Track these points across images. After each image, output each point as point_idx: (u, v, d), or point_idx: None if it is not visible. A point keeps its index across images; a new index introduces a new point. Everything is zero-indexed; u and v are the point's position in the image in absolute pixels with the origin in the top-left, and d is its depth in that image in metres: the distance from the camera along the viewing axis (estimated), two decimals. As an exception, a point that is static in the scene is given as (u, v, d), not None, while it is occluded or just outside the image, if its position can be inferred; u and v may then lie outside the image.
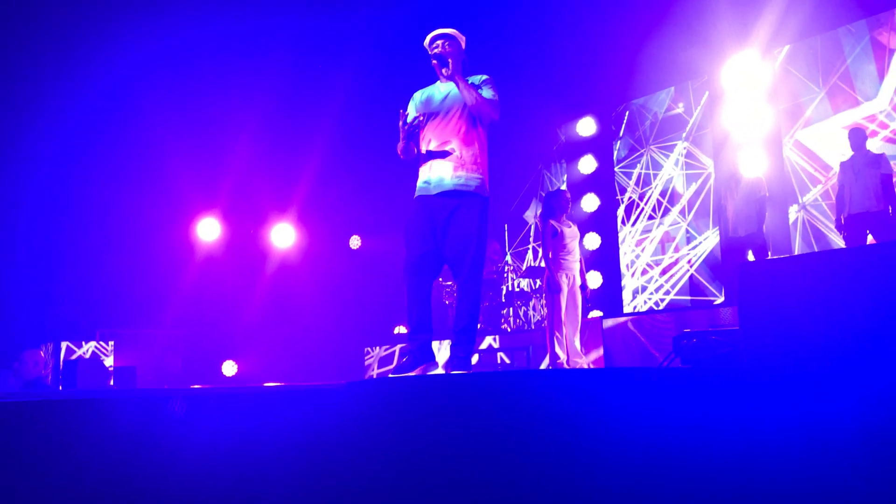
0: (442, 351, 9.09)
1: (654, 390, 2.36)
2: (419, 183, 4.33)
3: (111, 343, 8.59)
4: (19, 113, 8.53)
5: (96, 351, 8.40)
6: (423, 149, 4.32)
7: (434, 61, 4.29)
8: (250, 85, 9.32)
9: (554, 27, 9.07)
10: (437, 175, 4.22)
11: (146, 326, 9.61)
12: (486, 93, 4.24)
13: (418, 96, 4.49)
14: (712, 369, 2.64)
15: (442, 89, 4.37)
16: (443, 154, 4.21)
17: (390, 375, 4.18)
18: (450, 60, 4.23)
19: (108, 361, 8.37)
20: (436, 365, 4.24)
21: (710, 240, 9.47)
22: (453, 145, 4.20)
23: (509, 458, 2.58)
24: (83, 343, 8.41)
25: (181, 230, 10.41)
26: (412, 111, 4.46)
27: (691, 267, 9.63)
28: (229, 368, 10.36)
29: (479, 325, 4.24)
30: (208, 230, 10.58)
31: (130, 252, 9.64)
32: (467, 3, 8.45)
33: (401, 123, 4.32)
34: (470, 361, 4.16)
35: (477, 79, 4.33)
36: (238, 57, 9.04)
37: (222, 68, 9.14)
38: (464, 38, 4.45)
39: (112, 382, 7.87)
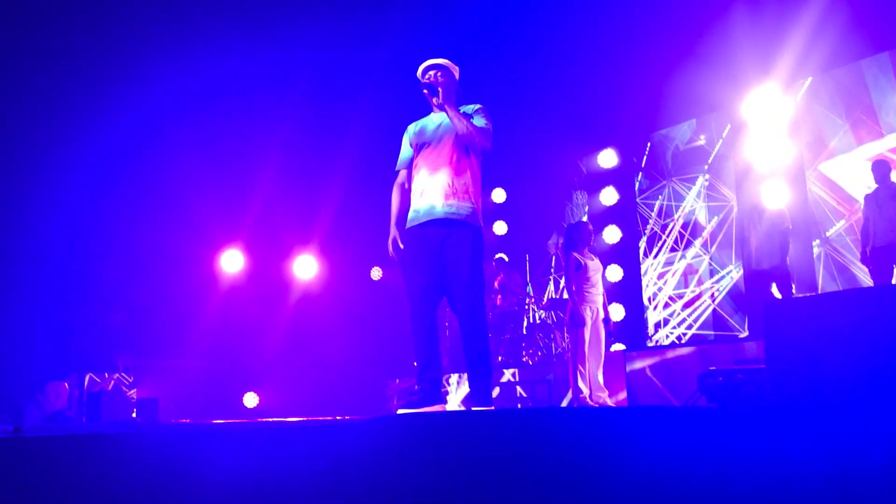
0: (456, 386, 9.05)
1: (681, 430, 2.33)
2: (410, 213, 4.29)
3: (131, 375, 8.63)
4: (50, 146, 8.69)
5: (119, 382, 8.44)
6: (415, 178, 4.29)
7: (425, 91, 4.28)
8: (273, 119, 9.44)
9: (576, 59, 9.11)
10: (427, 203, 4.16)
11: (169, 357, 9.65)
12: (478, 121, 4.21)
13: (412, 128, 4.48)
14: (739, 408, 2.60)
15: (435, 119, 4.36)
16: (434, 183, 4.16)
17: (399, 412, 4.11)
18: (440, 90, 4.22)
19: (132, 392, 8.41)
20: (444, 404, 4.15)
21: (732, 273, 9.39)
22: (444, 174, 4.14)
23: (531, 500, 2.56)
24: (106, 374, 8.45)
25: (205, 261, 10.49)
26: (406, 142, 4.47)
27: (714, 301, 9.54)
28: (251, 400, 10.36)
29: (498, 358, 4.16)
30: (232, 261, 10.65)
31: (154, 283, 9.72)
32: (492, 37, 8.53)
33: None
34: (490, 395, 4.04)
35: (470, 108, 4.31)
36: (262, 92, 9.18)
37: (246, 103, 9.28)
38: (457, 68, 4.45)
39: (135, 414, 7.90)
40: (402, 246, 4.35)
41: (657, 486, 2.23)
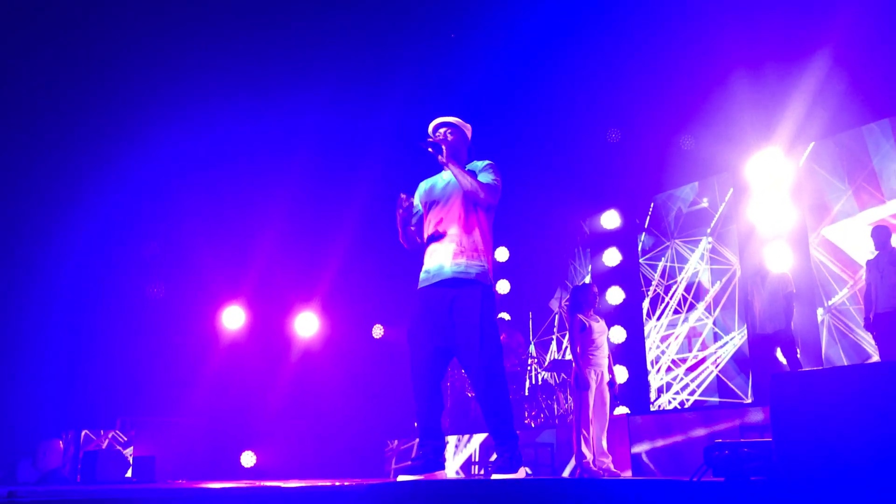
0: (454, 450, 8.93)
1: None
2: (421, 273, 4.26)
3: (129, 433, 8.53)
4: (57, 203, 8.75)
5: (114, 439, 8.34)
6: (426, 237, 4.27)
7: (430, 149, 4.24)
8: (277, 177, 9.54)
9: (581, 120, 9.23)
10: (436, 263, 4.13)
11: (167, 415, 9.56)
12: (485, 177, 4.17)
13: (422, 186, 4.48)
14: (745, 482, 2.55)
15: (444, 177, 4.35)
16: (442, 242, 4.12)
17: (399, 478, 4.02)
18: (443, 147, 4.20)
19: (128, 451, 8.30)
20: (444, 472, 4.07)
21: (735, 340, 9.33)
22: (453, 232, 4.11)
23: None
24: (102, 432, 8.36)
25: (206, 318, 10.47)
26: (417, 200, 4.44)
27: (716, 367, 9.47)
28: (248, 459, 10.22)
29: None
30: (233, 318, 10.63)
31: (155, 340, 9.69)
32: (497, 99, 8.66)
33: (399, 210, 4.26)
34: (516, 462, 3.89)
35: (479, 164, 4.30)
36: (266, 152, 9.31)
37: (251, 162, 9.40)
38: (468, 126, 4.45)
39: (131, 473, 7.78)
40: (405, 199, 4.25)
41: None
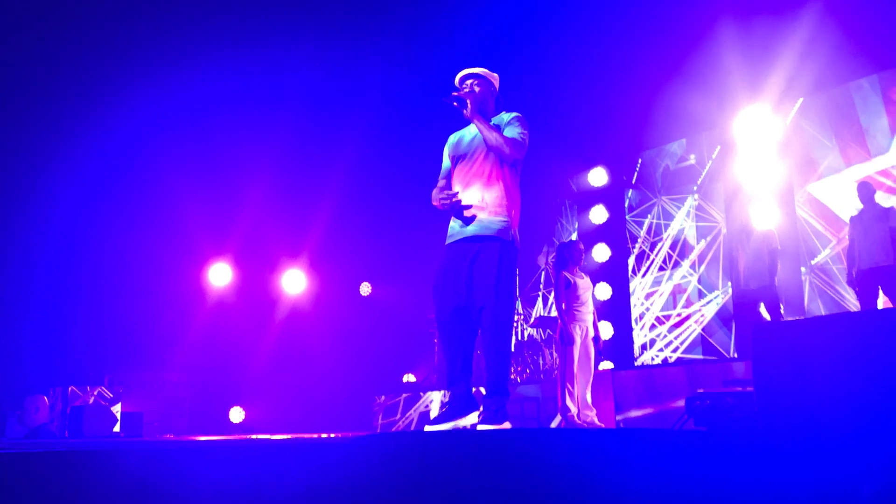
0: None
1: (670, 453, 2.31)
2: (448, 229, 4.23)
3: (116, 389, 8.54)
4: (42, 156, 8.65)
5: (100, 396, 8.35)
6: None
7: (455, 103, 4.17)
8: (264, 133, 9.44)
9: (568, 77, 9.15)
10: (459, 220, 4.13)
11: (155, 371, 9.58)
12: (511, 131, 4.13)
13: (452, 139, 4.41)
14: (727, 431, 2.59)
15: (472, 131, 4.28)
16: (466, 198, 4.10)
17: (426, 427, 4.07)
18: (468, 101, 4.13)
19: (115, 407, 8.32)
20: (472, 416, 4.06)
21: (719, 299, 9.40)
22: (476, 188, 4.10)
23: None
24: (88, 388, 8.37)
25: (193, 275, 10.44)
26: (445, 153, 4.40)
27: (698, 325, 9.55)
28: (237, 415, 10.28)
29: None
30: (220, 275, 10.61)
31: (142, 296, 9.66)
32: (484, 56, 8.56)
33: (443, 195, 4.16)
34: (502, 415, 3.95)
35: (505, 117, 4.24)
36: (253, 106, 9.18)
37: (238, 117, 9.28)
38: (496, 76, 4.40)
39: (118, 428, 7.81)
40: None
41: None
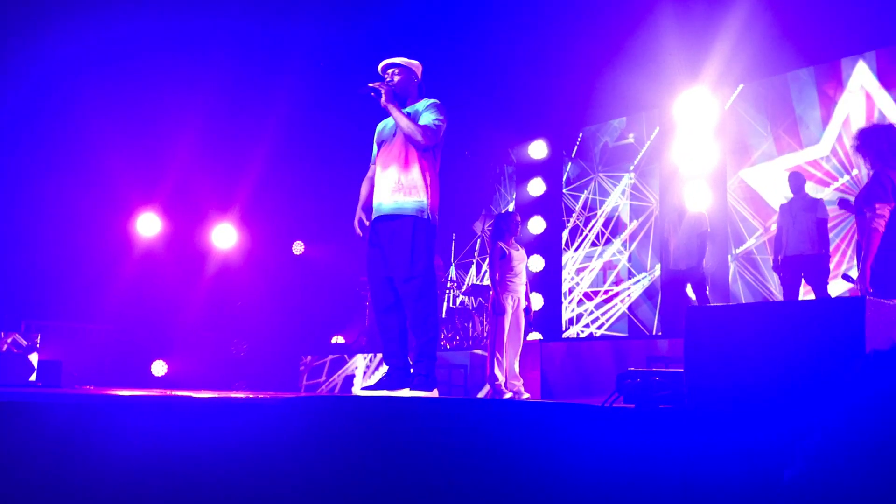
0: (375, 368, 9.02)
1: (602, 428, 2.35)
2: (373, 208, 4.57)
3: (32, 336, 8.25)
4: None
5: (14, 343, 8.05)
6: (375, 175, 4.59)
7: (372, 94, 4.45)
8: (195, 78, 9.09)
9: (513, 51, 9.12)
10: (378, 201, 4.48)
11: (75, 320, 9.29)
12: (426, 118, 4.41)
13: (379, 126, 4.75)
14: (655, 409, 2.64)
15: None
16: (385, 179, 4.43)
17: (361, 389, 4.40)
18: (382, 90, 4.40)
19: (32, 356, 8.05)
20: (405, 390, 4.35)
21: (644, 281, 9.61)
22: (393, 170, 4.40)
23: (444, 489, 2.54)
24: (2, 334, 8.07)
25: (119, 223, 10.11)
26: (375, 140, 4.73)
27: (624, 304, 9.77)
28: (159, 368, 10.08)
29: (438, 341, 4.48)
30: (147, 225, 10.31)
31: (64, 243, 9.33)
32: (427, 29, 8.46)
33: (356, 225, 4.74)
34: (431, 381, 4.29)
35: (421, 104, 4.52)
36: (181, 50, 8.81)
37: (166, 61, 8.89)
38: (417, 64, 4.65)
39: (35, 377, 7.58)
40: (367, 223, 4.63)
41: (576, 483, 2.25)
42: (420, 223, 4.33)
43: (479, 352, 7.92)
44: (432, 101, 4.51)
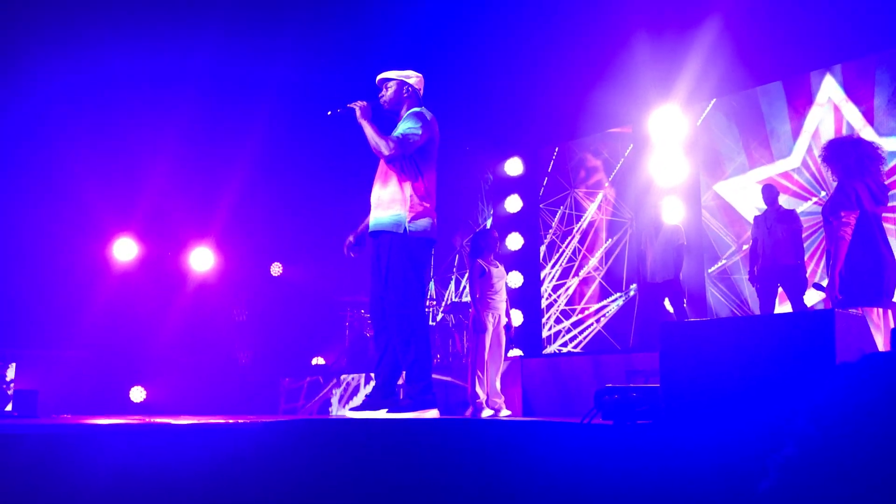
0: (361, 387, 8.99)
1: (581, 445, 2.37)
2: None
3: (6, 365, 8.14)
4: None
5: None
6: None
7: (339, 110, 4.44)
8: (171, 106, 9.09)
9: (490, 68, 9.20)
10: (367, 219, 4.50)
11: (52, 348, 9.19)
12: (399, 128, 4.37)
13: None
14: (633, 425, 2.67)
15: None
16: (371, 197, 4.45)
17: (349, 411, 4.30)
18: (357, 108, 4.36)
19: (10, 384, 7.95)
20: (385, 411, 4.28)
21: (619, 301, 9.68)
22: (376, 187, 4.43)
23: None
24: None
25: (96, 249, 10.04)
26: None
27: (599, 325, 9.83)
28: (137, 395, 9.98)
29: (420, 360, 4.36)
30: (124, 250, 10.25)
31: (39, 269, 9.24)
32: (406, 46, 8.51)
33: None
34: (418, 402, 4.17)
35: (405, 115, 4.48)
36: (159, 79, 8.84)
37: (143, 90, 8.91)
38: (411, 75, 4.59)
39: (11, 407, 7.49)
40: (352, 244, 4.67)
41: (557, 500, 2.26)
42: (396, 239, 4.25)
43: (457, 381, 7.86)
44: (414, 110, 4.45)
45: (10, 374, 7.99)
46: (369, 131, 4.28)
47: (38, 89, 8.40)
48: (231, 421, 4.05)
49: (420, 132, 4.31)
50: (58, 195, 9.35)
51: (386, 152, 4.24)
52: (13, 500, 2.89)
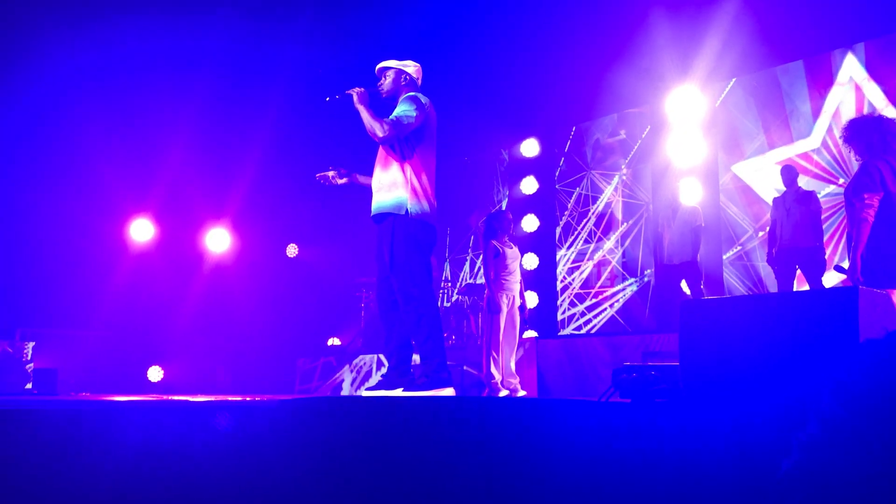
0: (378, 368, 9.02)
1: (598, 424, 2.36)
2: None
3: (30, 344, 8.23)
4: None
5: (4, 351, 8.02)
6: None
7: (338, 97, 4.52)
8: (185, 84, 9.10)
9: (505, 49, 9.13)
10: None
11: (70, 327, 9.27)
12: (395, 111, 4.41)
13: None
14: (651, 403, 2.65)
15: None
16: (373, 182, 4.51)
17: (365, 391, 4.32)
18: (354, 94, 4.42)
19: (29, 363, 8.04)
20: (400, 390, 4.33)
21: (635, 284, 9.62)
22: (376, 171, 4.48)
23: (442, 486, 2.54)
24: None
25: (113, 230, 10.10)
26: None
27: (612, 309, 9.78)
28: (155, 374, 10.07)
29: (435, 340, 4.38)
30: (141, 231, 10.30)
31: (59, 250, 9.31)
32: (419, 29, 8.46)
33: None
34: (432, 380, 4.21)
35: (401, 100, 4.52)
36: (176, 60, 8.84)
37: (160, 71, 8.91)
38: (409, 63, 4.66)
39: (31, 385, 7.56)
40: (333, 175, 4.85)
41: (572, 477, 2.25)
42: (400, 221, 4.30)
43: (470, 369, 7.85)
44: (409, 94, 4.49)
45: (29, 352, 8.07)
46: (365, 115, 4.33)
47: (55, 71, 8.45)
48: (248, 399, 4.08)
49: (415, 114, 4.35)
50: (75, 176, 9.41)
51: (380, 134, 4.29)
52: (35, 476, 2.91)
